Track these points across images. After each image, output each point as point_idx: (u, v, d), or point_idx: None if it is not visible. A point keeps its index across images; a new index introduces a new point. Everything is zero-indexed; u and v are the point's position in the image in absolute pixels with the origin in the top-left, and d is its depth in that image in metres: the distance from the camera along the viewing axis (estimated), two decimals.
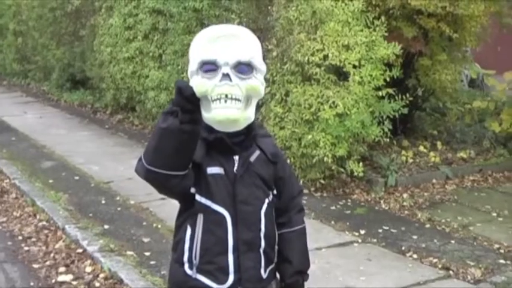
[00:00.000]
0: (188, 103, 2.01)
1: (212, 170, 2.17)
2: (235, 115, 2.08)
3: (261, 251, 2.24)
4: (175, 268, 2.27)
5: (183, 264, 2.23)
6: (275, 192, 2.30)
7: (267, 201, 2.25)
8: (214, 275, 2.20)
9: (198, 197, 2.18)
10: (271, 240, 2.28)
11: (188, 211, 2.23)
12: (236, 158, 2.20)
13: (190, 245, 2.20)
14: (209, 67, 2.06)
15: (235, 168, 2.19)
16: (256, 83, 2.12)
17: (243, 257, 2.19)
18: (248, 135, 2.21)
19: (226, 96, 2.05)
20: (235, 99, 2.06)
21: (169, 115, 2.02)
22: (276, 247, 2.32)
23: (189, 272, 2.22)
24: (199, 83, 2.05)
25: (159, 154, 2.07)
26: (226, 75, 2.05)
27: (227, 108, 2.06)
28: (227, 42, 2.08)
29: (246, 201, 2.19)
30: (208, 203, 2.18)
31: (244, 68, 2.08)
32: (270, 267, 2.29)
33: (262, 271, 2.25)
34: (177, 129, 2.00)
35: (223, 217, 2.18)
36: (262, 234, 2.23)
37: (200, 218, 2.19)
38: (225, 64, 2.05)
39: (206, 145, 2.16)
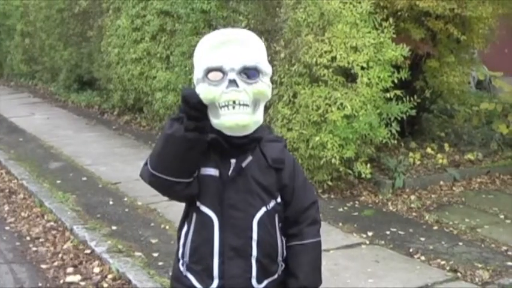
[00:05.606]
0: (194, 111, 2.03)
1: (206, 171, 2.16)
2: (245, 120, 2.06)
3: (253, 259, 2.17)
4: (175, 262, 2.30)
5: (178, 259, 2.25)
6: (279, 200, 2.22)
7: (264, 209, 2.17)
8: (200, 276, 2.19)
9: None
10: (268, 250, 2.19)
11: (187, 208, 2.24)
12: (233, 161, 2.15)
13: (184, 241, 2.23)
14: (215, 73, 2.04)
15: (230, 171, 2.15)
16: (263, 86, 2.09)
17: (229, 263, 2.15)
18: (249, 138, 2.15)
19: (234, 102, 2.04)
20: (243, 104, 2.05)
21: (175, 121, 2.05)
22: (279, 258, 2.23)
23: (181, 268, 2.24)
24: (206, 91, 2.04)
25: (162, 160, 2.10)
26: (232, 81, 2.03)
27: (236, 114, 2.05)
28: (232, 47, 2.06)
29: (235, 207, 2.15)
30: (198, 203, 2.18)
31: (250, 72, 2.06)
32: (270, 279, 2.22)
33: (253, 281, 2.18)
34: (182, 136, 2.03)
35: (211, 219, 2.16)
36: (254, 242, 2.16)
37: (193, 217, 2.20)
38: (231, 70, 2.03)
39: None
